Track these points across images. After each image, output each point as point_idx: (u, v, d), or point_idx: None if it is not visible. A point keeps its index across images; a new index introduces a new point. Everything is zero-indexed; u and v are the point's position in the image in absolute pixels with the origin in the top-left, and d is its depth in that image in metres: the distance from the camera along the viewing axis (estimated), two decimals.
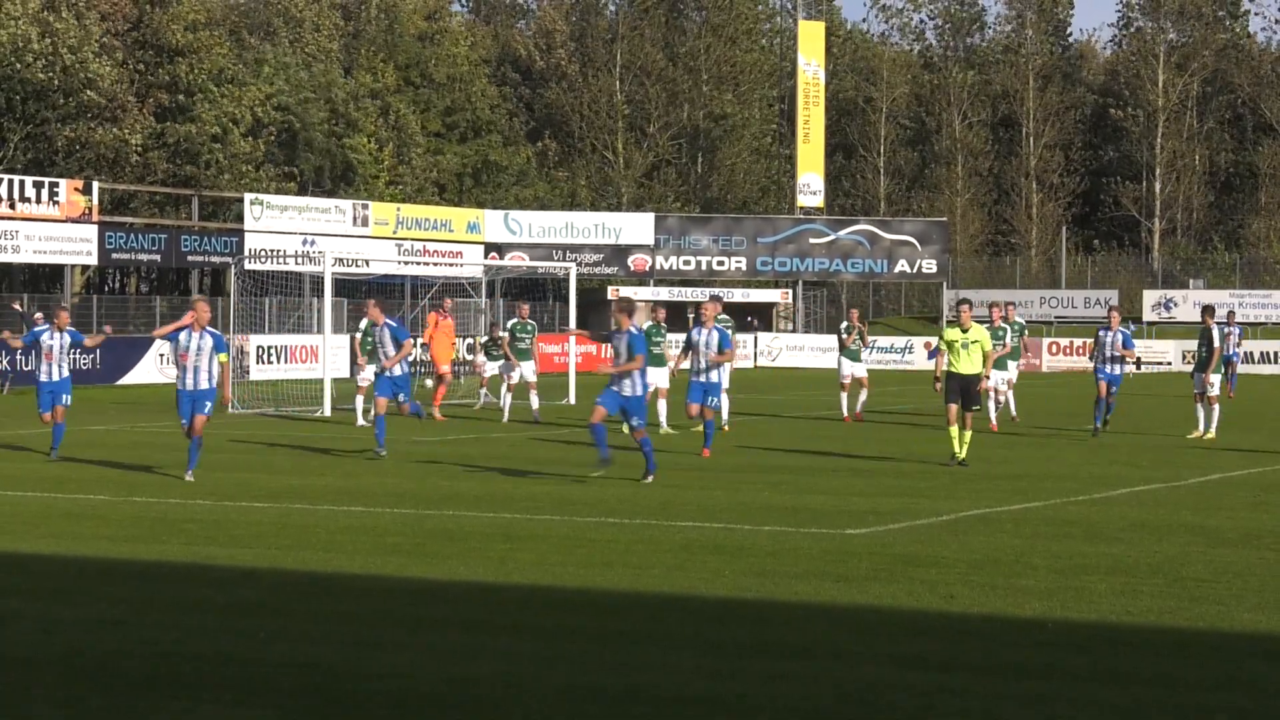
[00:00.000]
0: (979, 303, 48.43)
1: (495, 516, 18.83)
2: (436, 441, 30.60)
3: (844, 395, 37.61)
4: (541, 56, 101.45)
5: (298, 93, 76.29)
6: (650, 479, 22.50)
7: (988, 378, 27.20)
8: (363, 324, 36.37)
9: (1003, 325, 34.82)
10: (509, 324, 38.71)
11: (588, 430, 23.33)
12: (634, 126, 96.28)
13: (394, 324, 27.79)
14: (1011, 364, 36.34)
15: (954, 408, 25.70)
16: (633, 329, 22.87)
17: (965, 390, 25.91)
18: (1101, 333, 32.11)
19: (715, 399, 28.08)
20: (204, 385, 23.21)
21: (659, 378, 32.36)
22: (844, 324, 38.35)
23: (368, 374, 35.27)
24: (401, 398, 27.38)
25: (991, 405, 33.59)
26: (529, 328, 38.50)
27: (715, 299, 35.79)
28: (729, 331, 34.35)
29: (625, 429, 23.53)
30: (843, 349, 37.77)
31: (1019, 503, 20.39)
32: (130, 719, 9.74)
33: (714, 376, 27.72)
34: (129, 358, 52.82)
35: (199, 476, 23.07)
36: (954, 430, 25.58)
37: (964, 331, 26.10)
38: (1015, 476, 23.86)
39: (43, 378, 27.34)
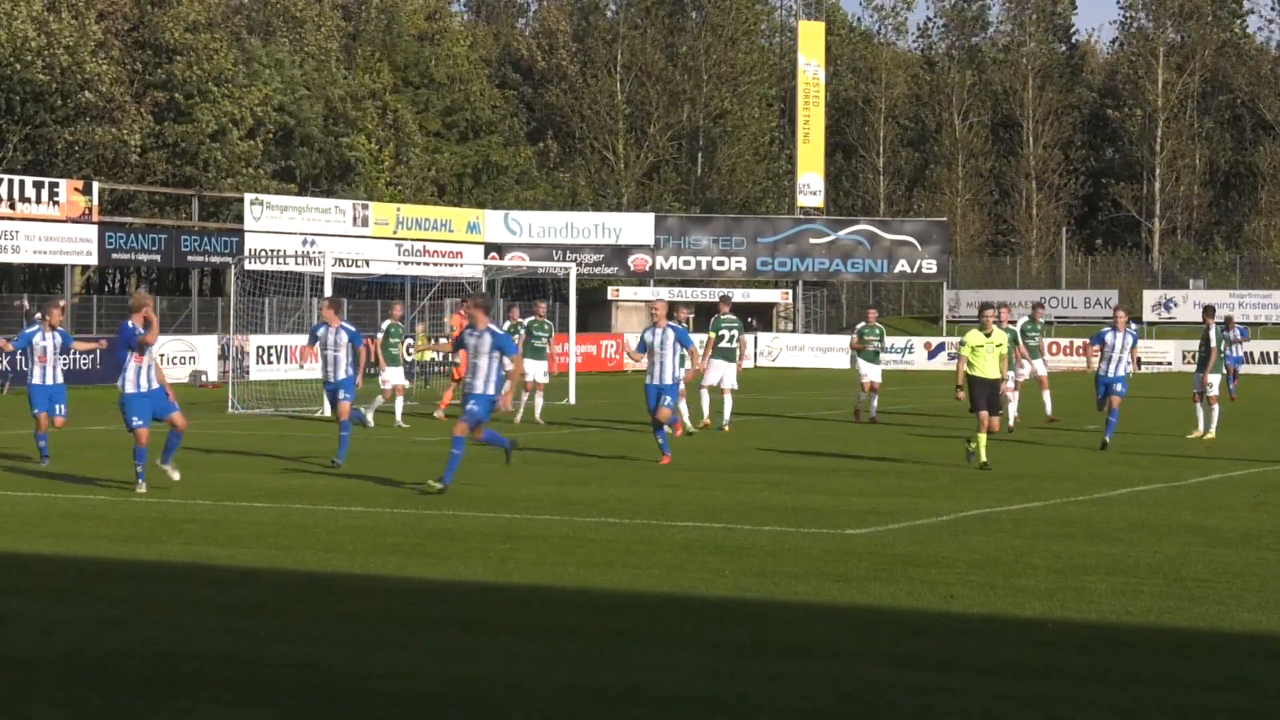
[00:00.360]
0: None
1: (495, 517, 18.83)
2: (436, 441, 30.60)
3: (862, 396, 36.93)
4: (544, 57, 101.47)
5: (293, 90, 76.25)
6: (511, 459, 22.38)
7: (1006, 380, 27.02)
8: (385, 325, 36.43)
9: (1010, 327, 34.32)
10: (525, 321, 37.99)
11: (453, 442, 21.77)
12: (634, 127, 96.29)
13: (350, 327, 26.79)
14: (1038, 362, 36.31)
15: (985, 414, 25.41)
16: (493, 328, 21.85)
17: (991, 395, 25.69)
18: (1109, 334, 30.20)
19: (670, 398, 26.71)
20: (157, 384, 22.27)
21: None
22: (861, 325, 37.76)
23: (389, 375, 35.43)
24: (343, 395, 26.38)
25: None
26: (545, 327, 37.87)
27: (725, 299, 35.77)
28: (737, 327, 34.25)
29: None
30: (861, 351, 37.19)
31: (1019, 503, 20.40)
32: (130, 719, 9.75)
33: (669, 378, 26.54)
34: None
35: (201, 477, 23.07)
36: (983, 437, 25.31)
37: (988, 336, 25.75)
38: (1015, 476, 23.86)
39: (35, 380, 26.34)
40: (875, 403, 36.96)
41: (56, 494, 21.42)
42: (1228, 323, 45.36)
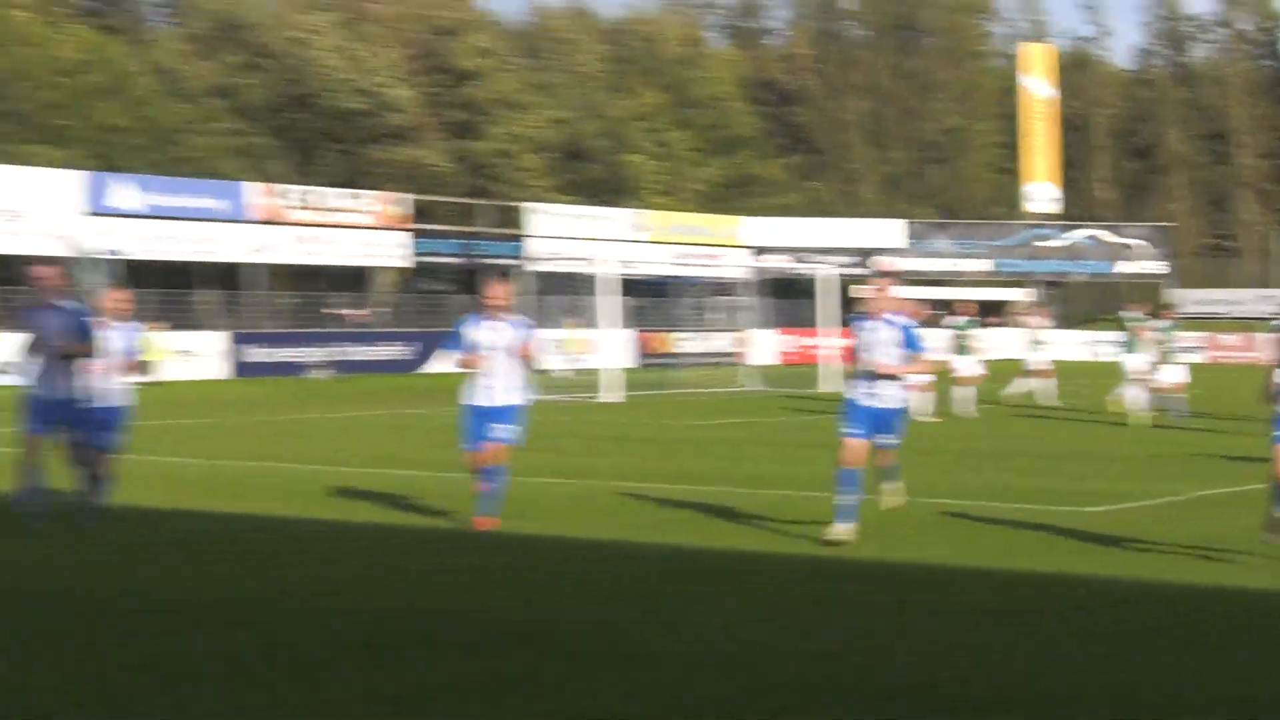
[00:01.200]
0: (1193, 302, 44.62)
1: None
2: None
3: (1169, 400, 30.80)
4: (793, 79, 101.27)
5: (568, 106, 76.88)
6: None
7: None
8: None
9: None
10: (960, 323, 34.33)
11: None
12: (876, 142, 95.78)
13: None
14: None
15: None
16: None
17: None
18: None
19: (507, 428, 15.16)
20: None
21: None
22: (954, 317, 33.98)
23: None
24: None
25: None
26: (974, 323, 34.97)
27: (964, 303, 34.88)
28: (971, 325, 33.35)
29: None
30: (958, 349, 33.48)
31: (1226, 486, 19.66)
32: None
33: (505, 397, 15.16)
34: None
35: None
36: None
37: None
38: (1252, 461, 23.05)
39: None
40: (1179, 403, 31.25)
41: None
42: None
